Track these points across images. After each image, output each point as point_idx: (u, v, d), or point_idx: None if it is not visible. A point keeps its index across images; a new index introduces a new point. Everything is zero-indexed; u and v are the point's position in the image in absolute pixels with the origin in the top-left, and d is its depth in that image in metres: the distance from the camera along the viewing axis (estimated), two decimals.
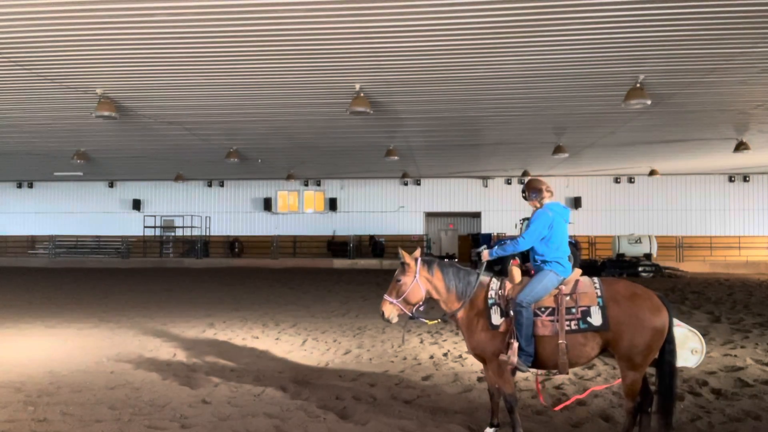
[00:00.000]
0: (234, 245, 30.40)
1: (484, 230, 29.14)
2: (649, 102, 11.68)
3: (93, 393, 6.00)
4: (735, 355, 7.72)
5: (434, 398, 5.88)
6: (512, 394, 4.64)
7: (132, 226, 31.13)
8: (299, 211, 31.32)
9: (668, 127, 16.79)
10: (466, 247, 32.29)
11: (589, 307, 4.39)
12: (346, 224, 30.67)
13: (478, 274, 4.85)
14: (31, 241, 32.00)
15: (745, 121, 15.79)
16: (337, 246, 29.66)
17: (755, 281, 19.96)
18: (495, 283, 4.78)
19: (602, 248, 27.85)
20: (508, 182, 29.62)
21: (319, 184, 30.89)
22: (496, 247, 4.90)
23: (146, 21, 8.78)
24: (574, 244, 23.58)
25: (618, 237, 24.16)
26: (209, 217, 31.28)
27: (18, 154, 22.02)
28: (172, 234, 31.33)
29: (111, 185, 31.61)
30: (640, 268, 22.80)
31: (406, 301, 4.80)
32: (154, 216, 30.84)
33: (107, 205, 31.89)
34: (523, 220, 25.07)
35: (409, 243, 30.22)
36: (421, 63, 10.75)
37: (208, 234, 30.92)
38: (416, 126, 16.58)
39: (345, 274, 22.73)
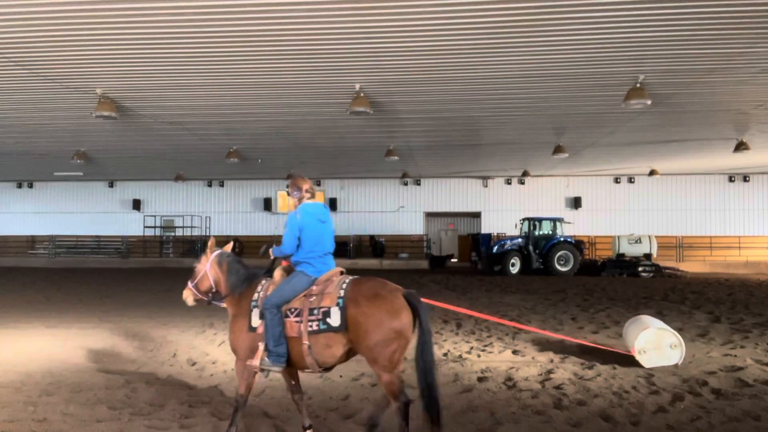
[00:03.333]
0: (234, 245, 30.32)
1: (484, 230, 29.14)
2: (649, 102, 11.69)
3: (93, 393, 5.99)
4: (735, 355, 7.72)
5: None
6: (243, 396, 4.65)
7: (132, 226, 31.13)
8: None
9: (668, 127, 16.80)
10: (466, 247, 32.29)
11: (329, 308, 4.37)
12: (346, 224, 30.66)
13: (256, 273, 4.94)
14: (31, 241, 32.00)
15: (745, 121, 15.79)
16: (337, 246, 29.60)
17: (755, 281, 19.96)
18: (262, 285, 4.78)
19: (602, 248, 27.86)
20: (508, 182, 29.63)
21: (319, 184, 30.87)
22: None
23: (146, 21, 8.78)
24: (575, 244, 23.60)
25: (618, 237, 24.18)
26: (209, 217, 31.28)
27: (18, 154, 22.01)
28: (172, 234, 31.34)
29: (111, 185, 31.60)
30: (640, 268, 22.81)
31: (197, 288, 4.98)
32: (154, 216, 30.84)
33: (107, 205, 31.88)
34: (523, 220, 25.13)
35: (409, 243, 30.27)
36: (421, 63, 10.75)
37: (208, 234, 30.89)
38: (416, 126, 16.58)
39: None
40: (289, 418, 5.23)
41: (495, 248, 24.05)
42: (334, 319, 4.32)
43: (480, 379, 6.56)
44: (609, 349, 7.71)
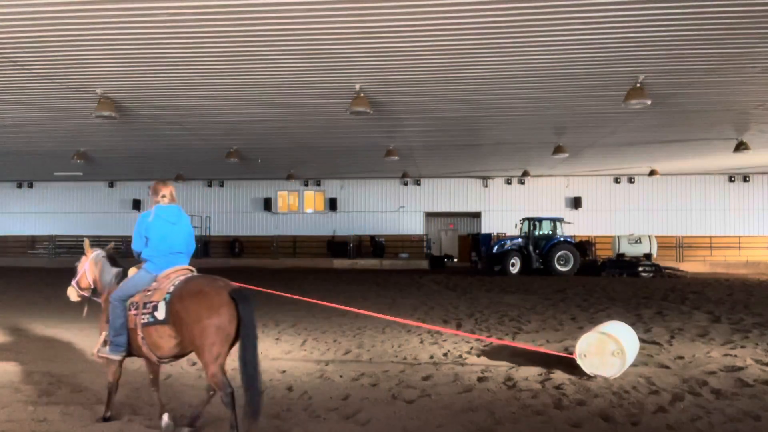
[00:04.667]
0: (234, 245, 30.37)
1: (484, 230, 29.15)
2: (649, 102, 11.70)
3: (93, 393, 6.00)
4: (735, 355, 7.71)
5: (434, 398, 5.87)
6: (111, 383, 5.06)
7: (132, 226, 30.90)
8: (299, 211, 31.33)
9: (668, 127, 16.80)
10: (465, 247, 32.29)
11: (158, 302, 4.66)
12: (346, 224, 30.67)
13: (124, 271, 5.24)
14: (31, 241, 31.99)
15: (745, 121, 15.80)
16: (337, 246, 29.66)
17: (755, 281, 19.96)
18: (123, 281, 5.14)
19: (602, 248, 27.84)
20: (508, 182, 29.63)
21: (319, 184, 30.88)
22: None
23: (146, 21, 8.79)
24: (579, 244, 23.57)
25: (618, 237, 24.17)
26: (209, 217, 31.28)
27: (18, 154, 22.02)
28: None
29: (111, 185, 31.62)
30: (640, 268, 22.80)
31: (79, 285, 5.44)
32: None
33: (107, 205, 31.89)
34: (523, 220, 25.13)
35: (409, 243, 30.27)
36: (421, 63, 10.75)
37: (208, 234, 30.91)
38: (416, 126, 16.59)
39: (345, 274, 22.73)
40: (290, 417, 5.23)
41: (495, 248, 24.05)
42: (160, 313, 4.62)
43: (480, 379, 6.56)
44: (553, 353, 7.51)
